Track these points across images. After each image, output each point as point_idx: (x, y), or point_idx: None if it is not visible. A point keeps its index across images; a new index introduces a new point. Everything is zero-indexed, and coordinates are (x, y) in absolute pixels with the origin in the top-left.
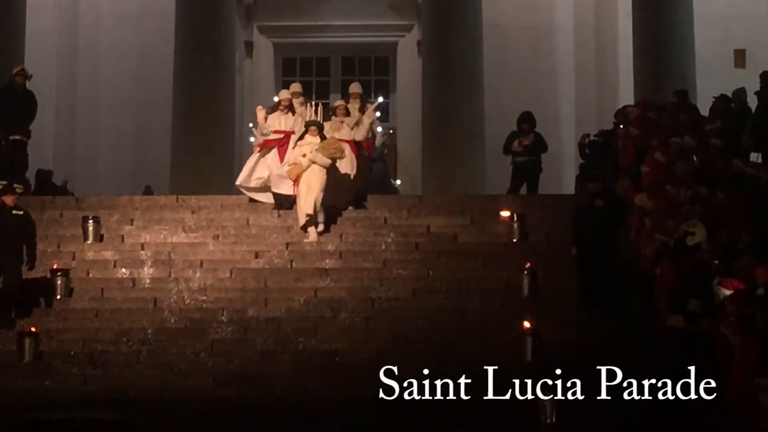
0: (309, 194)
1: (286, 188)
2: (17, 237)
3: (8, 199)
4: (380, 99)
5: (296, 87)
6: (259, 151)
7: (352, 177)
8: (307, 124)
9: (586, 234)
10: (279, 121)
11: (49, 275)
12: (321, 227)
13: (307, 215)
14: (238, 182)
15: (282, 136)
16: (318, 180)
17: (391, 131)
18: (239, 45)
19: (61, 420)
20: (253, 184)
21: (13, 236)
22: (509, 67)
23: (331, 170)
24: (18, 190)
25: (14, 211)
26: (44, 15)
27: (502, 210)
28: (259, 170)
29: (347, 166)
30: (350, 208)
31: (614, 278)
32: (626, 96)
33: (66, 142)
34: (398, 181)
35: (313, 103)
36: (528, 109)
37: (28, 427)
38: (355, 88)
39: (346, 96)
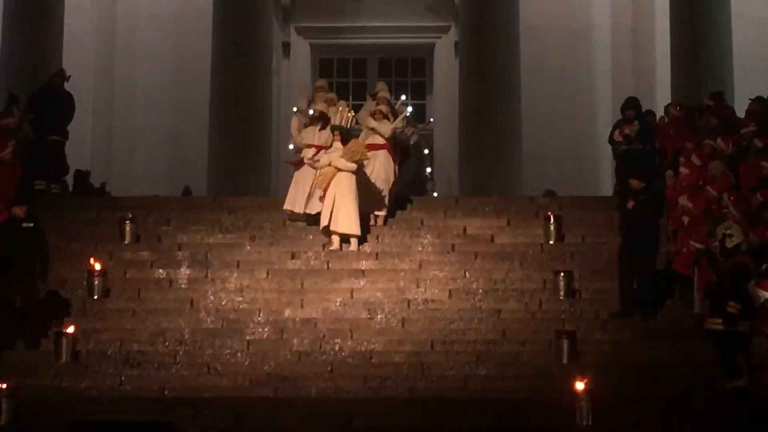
0: (337, 208)
1: (314, 207)
2: (28, 250)
3: (18, 211)
4: (402, 97)
5: (332, 96)
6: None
7: (390, 181)
8: (332, 129)
9: (623, 234)
10: (312, 135)
11: (86, 275)
12: (354, 243)
13: (341, 234)
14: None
15: (315, 151)
16: (347, 190)
17: (431, 120)
18: (276, 45)
19: (104, 423)
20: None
21: (23, 250)
22: (546, 68)
23: (362, 177)
24: (55, 191)
25: (24, 224)
26: (82, 16)
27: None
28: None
29: (382, 170)
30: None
31: (651, 280)
32: (663, 96)
33: (103, 143)
34: (435, 194)
35: (346, 107)
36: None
37: (70, 428)
38: (381, 90)
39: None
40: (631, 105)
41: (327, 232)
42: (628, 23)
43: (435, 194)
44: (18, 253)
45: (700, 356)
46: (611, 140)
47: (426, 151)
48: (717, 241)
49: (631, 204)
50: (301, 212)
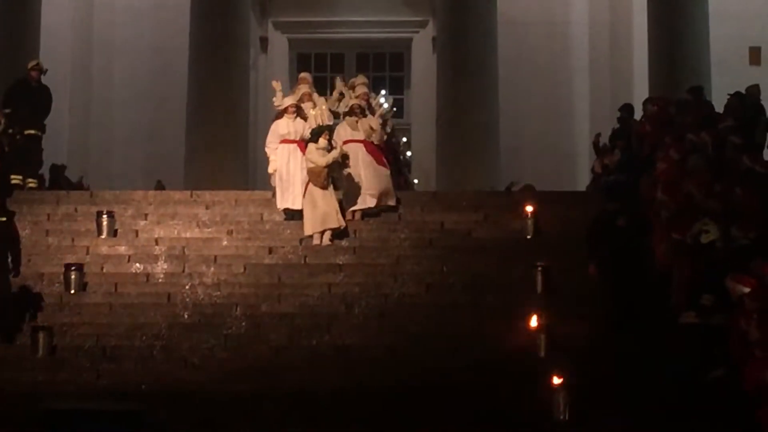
0: (321, 207)
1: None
2: (0, 244)
3: None
4: (383, 92)
5: (306, 88)
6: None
7: (374, 174)
8: (318, 131)
9: (611, 253)
10: (287, 128)
11: (63, 270)
12: (328, 236)
13: (330, 230)
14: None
15: (295, 146)
16: (326, 191)
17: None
18: (254, 40)
19: (73, 410)
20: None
21: None
22: (524, 63)
23: (341, 173)
24: (31, 185)
25: None
26: (59, 10)
27: (523, 206)
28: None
29: (360, 166)
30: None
31: (644, 294)
32: (641, 92)
33: (80, 137)
34: (416, 180)
35: (321, 107)
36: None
37: (40, 417)
38: (361, 84)
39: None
40: (619, 134)
41: (310, 227)
42: (605, 18)
43: (416, 181)
44: None
45: (678, 350)
46: (593, 171)
47: (404, 140)
48: (693, 236)
49: (621, 221)
50: (298, 208)
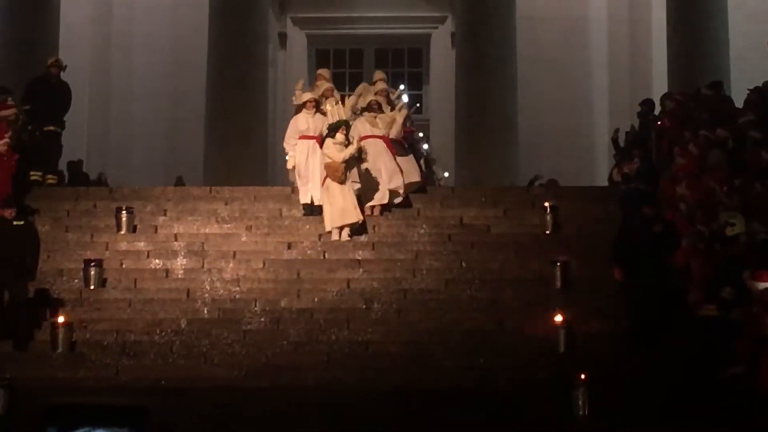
0: (339, 202)
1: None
2: (18, 248)
3: (6, 213)
4: (401, 87)
5: (327, 84)
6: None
7: (393, 170)
8: (335, 126)
9: (639, 259)
10: (306, 124)
11: (82, 266)
12: (347, 231)
13: (348, 226)
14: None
15: (313, 143)
16: (344, 186)
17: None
18: (273, 36)
19: (78, 405)
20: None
21: (13, 248)
22: (543, 59)
23: (360, 168)
24: (51, 181)
25: (15, 222)
26: (78, 6)
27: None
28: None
29: (380, 161)
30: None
31: (665, 307)
32: (660, 88)
33: (99, 133)
34: (446, 174)
35: (337, 101)
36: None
37: (46, 412)
38: (380, 80)
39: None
40: (637, 142)
41: (329, 223)
42: (624, 14)
43: (446, 174)
44: (7, 251)
45: (696, 345)
46: (611, 180)
47: (421, 134)
48: (719, 228)
49: (657, 227)
50: (318, 203)
